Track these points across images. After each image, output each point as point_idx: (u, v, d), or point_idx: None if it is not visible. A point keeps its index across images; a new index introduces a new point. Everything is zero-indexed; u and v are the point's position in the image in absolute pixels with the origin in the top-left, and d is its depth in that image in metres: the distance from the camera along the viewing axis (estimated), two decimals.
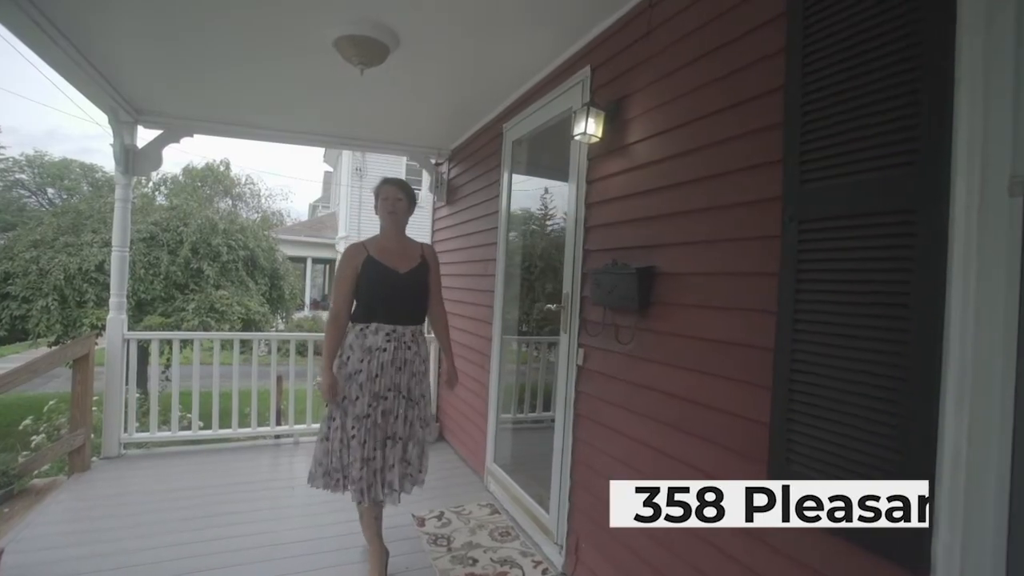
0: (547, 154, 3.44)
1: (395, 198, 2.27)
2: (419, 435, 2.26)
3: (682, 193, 1.77)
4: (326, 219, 17.41)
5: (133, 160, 3.57)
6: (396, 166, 15.10)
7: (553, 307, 2.45)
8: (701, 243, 1.69)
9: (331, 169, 20.00)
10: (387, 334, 2.18)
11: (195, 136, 3.85)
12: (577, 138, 2.16)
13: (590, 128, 2.08)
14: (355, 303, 2.24)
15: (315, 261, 16.39)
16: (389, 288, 2.20)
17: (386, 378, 2.16)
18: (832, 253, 1.25)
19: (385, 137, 4.37)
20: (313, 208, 25.70)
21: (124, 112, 3.42)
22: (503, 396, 3.35)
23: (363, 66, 2.48)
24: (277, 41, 2.55)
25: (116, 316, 3.53)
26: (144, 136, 3.75)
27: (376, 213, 2.30)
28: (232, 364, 4.05)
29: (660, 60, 1.90)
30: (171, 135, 3.73)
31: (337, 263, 2.34)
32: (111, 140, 3.49)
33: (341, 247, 14.95)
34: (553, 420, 2.52)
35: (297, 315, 12.59)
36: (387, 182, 2.32)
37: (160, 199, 12.79)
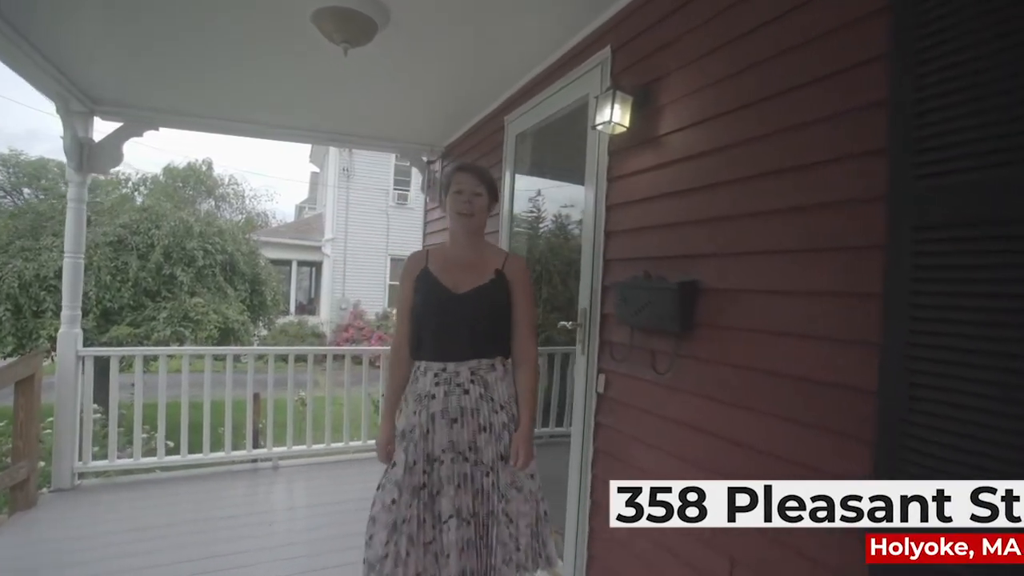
0: (554, 151, 3.12)
1: (472, 192, 1.65)
2: (514, 507, 1.59)
3: (733, 193, 1.45)
4: (312, 221, 16.93)
5: (88, 155, 3.18)
6: (385, 166, 14.73)
7: (568, 324, 2.13)
8: (761, 253, 1.38)
9: (317, 169, 19.52)
10: (435, 375, 1.61)
11: (160, 130, 3.47)
12: (599, 128, 1.84)
13: (616, 116, 1.76)
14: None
15: (301, 264, 15.90)
16: (438, 312, 1.63)
17: (439, 434, 1.59)
18: (974, 272, 0.94)
19: (373, 132, 4.02)
20: (299, 209, 25.15)
21: (77, 101, 3.03)
22: None
23: (346, 45, 2.14)
24: (250, 20, 2.20)
25: (68, 331, 3.14)
26: (102, 129, 3.37)
27: (443, 211, 1.77)
28: (204, 371, 3.64)
29: (702, 35, 1.58)
30: (133, 128, 3.35)
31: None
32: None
33: (328, 250, 14.51)
34: (557, 435, 2.17)
35: (281, 320, 12.15)
36: (463, 169, 1.70)
37: (140, 200, 12.27)
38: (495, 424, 1.60)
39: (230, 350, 3.65)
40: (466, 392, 1.59)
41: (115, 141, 3.31)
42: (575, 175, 2.34)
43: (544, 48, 2.42)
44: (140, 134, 3.39)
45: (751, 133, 1.40)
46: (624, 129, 1.81)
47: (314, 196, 21.83)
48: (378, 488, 1.64)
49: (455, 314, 1.61)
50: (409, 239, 14.80)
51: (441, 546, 1.55)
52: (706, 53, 1.55)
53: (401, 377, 1.72)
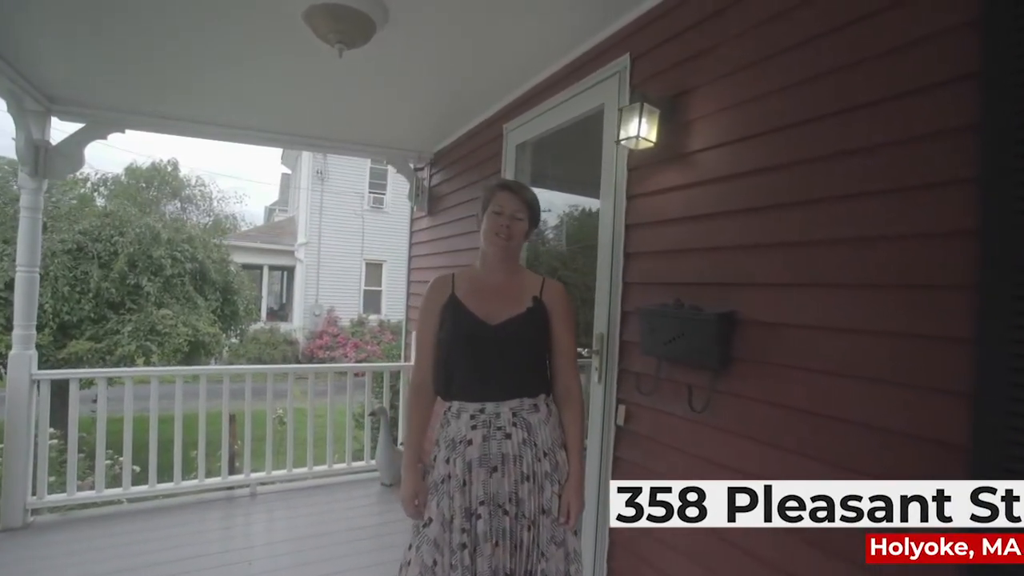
0: (556, 162, 2.98)
1: (512, 215, 1.48)
2: (553, 567, 1.41)
3: (783, 218, 1.34)
4: (285, 224, 16.41)
5: (44, 160, 2.88)
6: (360, 168, 14.37)
7: (584, 352, 1.99)
8: (817, 286, 1.26)
9: (289, 171, 18.97)
10: (471, 417, 1.44)
11: (127, 132, 3.20)
12: (624, 143, 1.71)
13: (643, 130, 1.63)
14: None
15: (272, 268, 15.38)
16: (471, 346, 1.45)
17: (477, 485, 1.40)
18: None
19: (359, 137, 3.81)
20: (269, 211, 24.43)
21: (31, 100, 2.75)
22: None
23: (342, 46, 1.96)
24: (228, 16, 2.00)
25: (21, 352, 2.84)
26: (61, 129, 3.08)
27: (478, 229, 1.54)
28: (175, 383, 3.34)
29: (743, 46, 1.46)
30: (96, 130, 3.07)
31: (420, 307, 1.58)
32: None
33: (301, 254, 14.06)
34: None
35: (252, 327, 11.68)
36: (506, 188, 1.52)
37: (100, 201, 11.61)
38: (538, 473, 1.42)
39: (204, 370, 3.38)
40: (508, 436, 1.41)
41: (75, 144, 3.03)
42: (579, 187, 2.21)
43: (550, 53, 2.29)
44: (104, 136, 3.12)
45: (804, 155, 1.28)
46: (651, 144, 1.68)
47: (285, 198, 21.23)
48: (410, 547, 1.47)
49: (491, 348, 1.44)
50: (385, 244, 14.49)
51: None
52: (748, 65, 1.44)
53: (425, 418, 1.55)
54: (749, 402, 1.41)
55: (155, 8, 1.99)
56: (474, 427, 1.42)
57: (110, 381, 3.59)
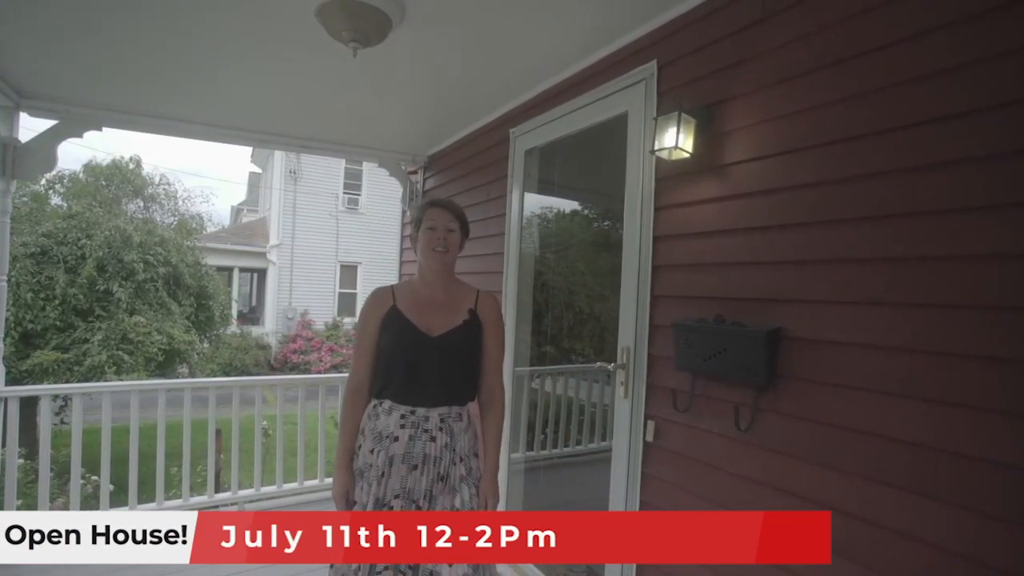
0: (564, 169, 2.93)
1: (446, 228, 1.60)
2: (459, 570, 1.46)
3: (837, 233, 1.31)
4: (256, 225, 15.89)
5: (13, 159, 2.67)
6: (335, 169, 14.04)
7: (609, 366, 1.93)
8: (874, 304, 1.24)
9: (259, 171, 18.39)
10: (401, 416, 1.54)
11: (104, 130, 3.00)
12: (658, 153, 1.66)
13: (681, 141, 1.59)
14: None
15: (242, 270, 14.87)
16: (410, 356, 1.56)
17: (395, 479, 1.51)
18: None
19: (350, 139, 3.68)
20: (237, 211, 23.66)
21: None
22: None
23: (356, 45, 1.86)
24: (233, 4, 1.87)
25: None
26: (31, 127, 2.86)
27: (414, 247, 1.66)
28: (143, 394, 3.14)
29: (790, 56, 1.43)
30: (70, 127, 2.86)
31: (359, 315, 1.68)
32: None
33: (273, 256, 13.65)
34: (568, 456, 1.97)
35: (228, 330, 11.23)
36: (434, 204, 1.65)
37: (56, 200, 10.94)
38: (452, 476, 1.56)
39: (189, 383, 3.19)
40: (432, 439, 1.54)
41: (47, 142, 2.81)
42: (591, 195, 2.16)
43: (565, 57, 2.23)
44: (79, 135, 2.91)
45: (862, 169, 1.25)
46: (686, 155, 1.64)
47: (255, 198, 20.60)
48: None
49: (428, 358, 1.56)
50: (360, 246, 14.20)
51: None
52: (796, 75, 1.41)
53: (359, 419, 1.62)
54: (799, 421, 1.37)
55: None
56: (403, 426, 1.53)
57: (53, 398, 3.35)
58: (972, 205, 1.08)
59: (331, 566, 1.57)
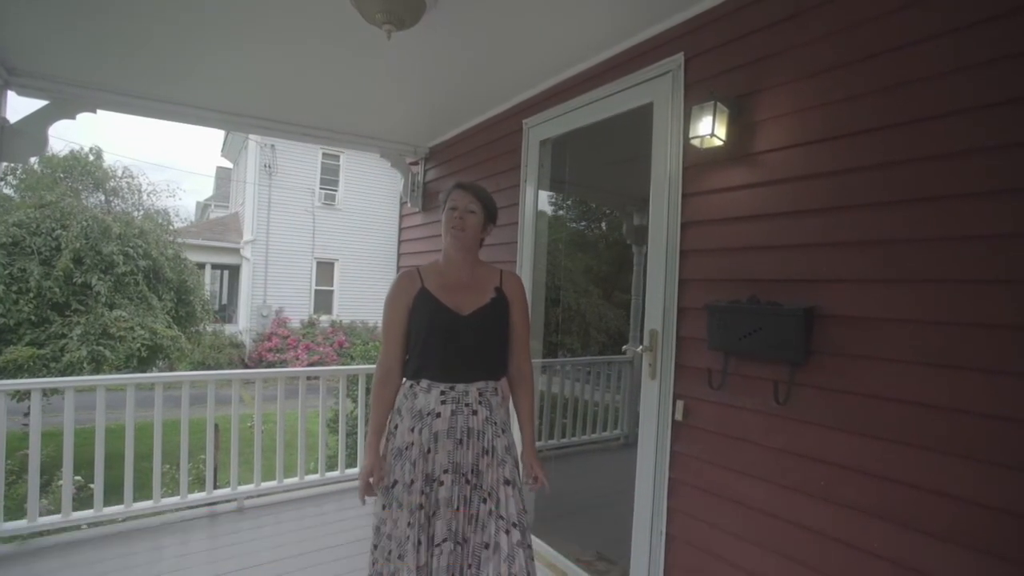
0: (575, 159, 2.97)
1: (465, 208, 1.63)
2: (504, 545, 1.51)
3: (873, 217, 1.39)
4: (228, 220, 15.40)
5: (1, 140, 2.54)
6: (311, 163, 13.77)
7: (638, 349, 1.98)
8: (904, 282, 1.32)
9: (229, 165, 17.86)
10: (441, 393, 1.57)
11: (98, 112, 2.88)
12: (694, 141, 1.72)
13: (717, 130, 1.65)
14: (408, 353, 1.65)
15: (214, 267, 14.41)
16: (446, 335, 1.58)
17: (442, 454, 1.54)
18: None
19: (352, 128, 3.64)
20: (203, 207, 22.89)
21: None
22: None
23: (391, 28, 1.85)
24: None
25: None
26: (19, 108, 2.73)
27: (442, 230, 1.68)
28: (153, 390, 3.03)
29: (822, 49, 1.50)
30: (63, 108, 2.74)
31: (385, 299, 1.67)
32: None
33: (247, 252, 13.27)
34: (585, 443, 2.03)
35: (193, 329, 10.86)
36: (458, 186, 1.67)
37: (8, 191, 10.33)
38: (498, 448, 1.59)
39: (188, 376, 3.09)
40: (474, 413, 1.57)
41: (39, 123, 2.69)
42: (598, 192, 2.21)
43: (586, 48, 2.27)
44: (72, 116, 2.80)
45: (897, 156, 1.34)
46: (719, 143, 1.70)
47: (224, 193, 20.00)
48: (384, 507, 1.58)
49: (464, 336, 1.59)
50: (337, 242, 13.95)
51: (430, 570, 1.49)
52: (830, 68, 1.48)
53: (391, 403, 1.64)
54: (834, 393, 1.45)
55: None
56: (443, 402, 1.56)
57: (43, 393, 3.20)
58: (1007, 187, 1.17)
59: (374, 545, 1.60)
